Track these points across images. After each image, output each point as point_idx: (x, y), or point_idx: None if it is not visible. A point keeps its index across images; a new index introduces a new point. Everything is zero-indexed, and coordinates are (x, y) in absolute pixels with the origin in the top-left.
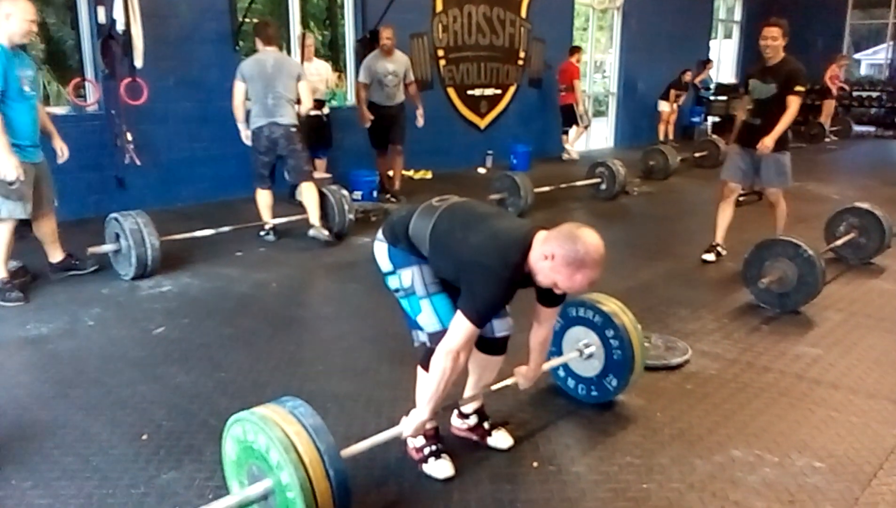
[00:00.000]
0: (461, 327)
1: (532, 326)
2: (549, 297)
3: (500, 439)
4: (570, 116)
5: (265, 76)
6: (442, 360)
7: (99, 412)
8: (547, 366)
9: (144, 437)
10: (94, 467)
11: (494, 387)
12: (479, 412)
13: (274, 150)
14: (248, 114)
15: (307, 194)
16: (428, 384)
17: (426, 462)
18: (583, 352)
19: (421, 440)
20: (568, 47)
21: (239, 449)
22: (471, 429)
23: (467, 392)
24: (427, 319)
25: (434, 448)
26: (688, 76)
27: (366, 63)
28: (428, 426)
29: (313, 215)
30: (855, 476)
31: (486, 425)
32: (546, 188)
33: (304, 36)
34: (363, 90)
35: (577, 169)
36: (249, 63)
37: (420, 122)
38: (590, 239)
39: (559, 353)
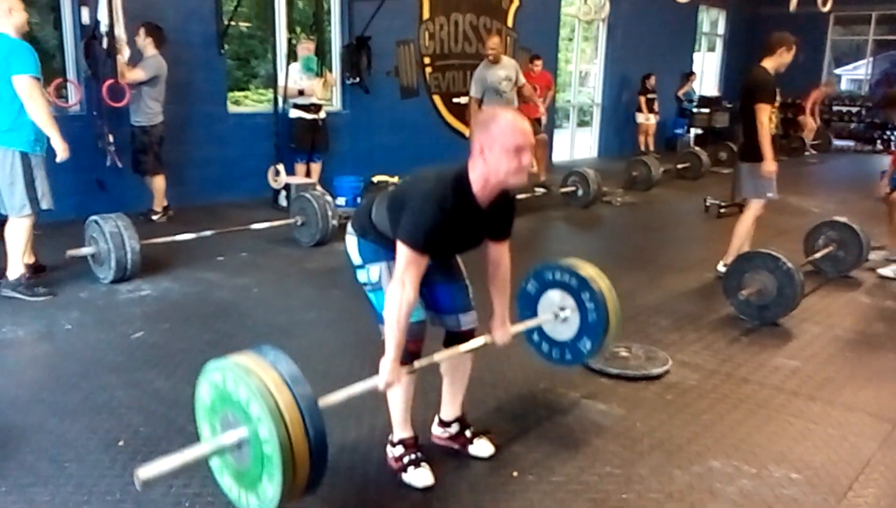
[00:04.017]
0: (402, 254)
1: (488, 274)
2: (496, 227)
3: (482, 447)
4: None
5: (165, 80)
6: (391, 292)
7: (75, 417)
8: (522, 327)
9: (121, 443)
10: (69, 473)
11: (467, 347)
12: (461, 420)
13: None
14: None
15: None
16: (387, 325)
17: (405, 470)
18: (558, 315)
19: (400, 449)
20: (554, 57)
21: (215, 395)
22: (452, 438)
23: (444, 400)
24: None
25: (413, 456)
26: (651, 80)
27: (476, 76)
28: (406, 435)
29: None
30: (831, 487)
31: (467, 433)
32: (522, 196)
33: (297, 42)
34: (476, 105)
35: (552, 178)
36: (163, 64)
37: (544, 119)
38: (504, 112)
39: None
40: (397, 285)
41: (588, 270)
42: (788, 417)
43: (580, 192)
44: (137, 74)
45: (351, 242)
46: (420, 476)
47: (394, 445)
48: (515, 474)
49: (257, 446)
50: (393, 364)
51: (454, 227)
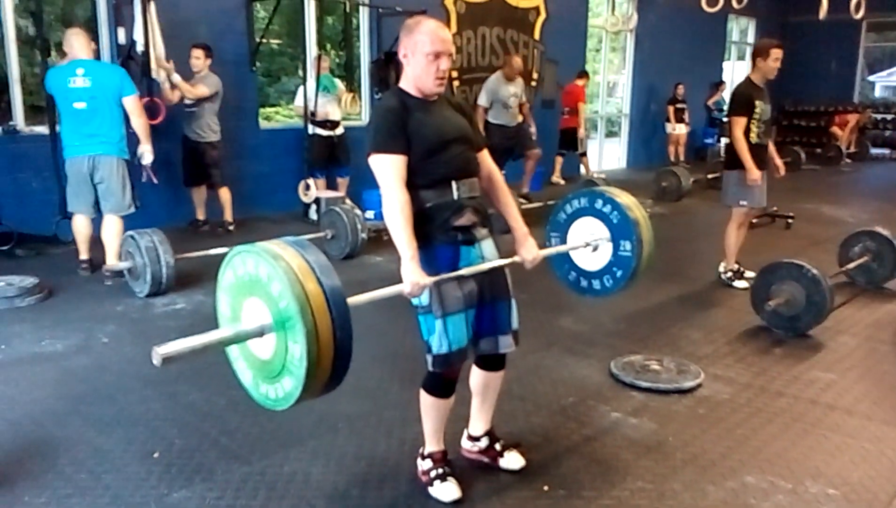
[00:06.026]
0: (375, 164)
1: (484, 191)
2: (466, 128)
3: (512, 460)
4: (569, 140)
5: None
6: (385, 201)
7: (112, 429)
8: (553, 250)
9: (156, 455)
10: (105, 484)
11: (498, 263)
12: (490, 434)
13: None
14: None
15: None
16: (392, 230)
17: (432, 484)
18: (589, 243)
19: (429, 463)
20: (579, 69)
21: (239, 281)
22: (482, 451)
23: (473, 415)
24: (437, 339)
25: (440, 470)
26: (680, 89)
27: (487, 87)
28: (436, 449)
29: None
30: (870, 504)
31: (497, 446)
32: (535, 205)
33: (319, 57)
34: (482, 113)
35: (567, 189)
36: (220, 81)
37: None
38: (428, 20)
39: (569, 261)
40: (385, 194)
41: (624, 198)
42: (825, 431)
43: None
44: (201, 90)
45: None
46: (446, 491)
47: (423, 458)
48: (546, 488)
49: (281, 333)
50: (412, 264)
51: (418, 120)
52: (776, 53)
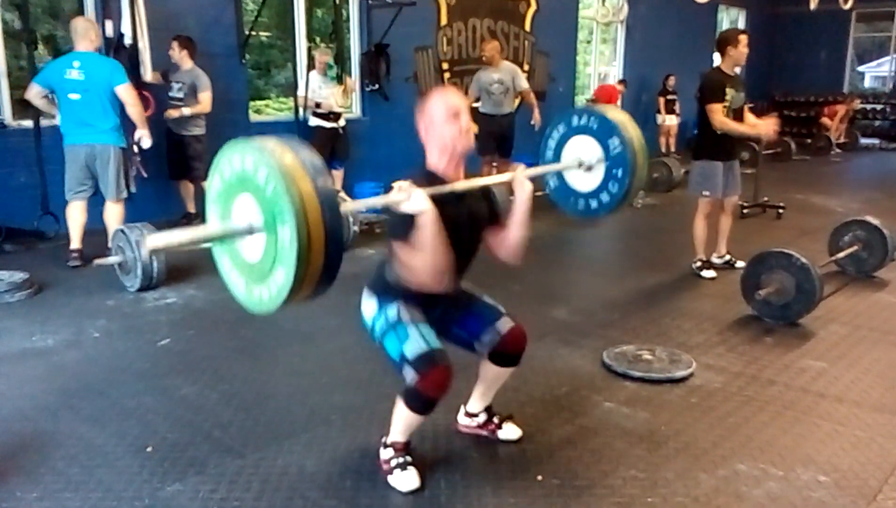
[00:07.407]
0: (399, 252)
1: (497, 253)
2: (486, 212)
3: (510, 431)
4: None
5: None
6: (415, 261)
7: (104, 423)
8: (542, 170)
9: (149, 449)
10: (98, 479)
11: (489, 181)
12: (488, 409)
13: None
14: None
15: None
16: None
17: (391, 473)
18: (582, 162)
19: (389, 452)
20: (571, 60)
21: (231, 178)
22: (480, 426)
23: (474, 396)
24: (413, 343)
25: (401, 460)
26: (671, 80)
27: (475, 78)
28: (400, 439)
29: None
30: (860, 490)
31: (495, 420)
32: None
33: (314, 51)
34: (469, 104)
35: None
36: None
37: (537, 126)
38: (432, 94)
39: (573, 192)
40: (415, 260)
41: (616, 114)
42: (815, 419)
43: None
44: (206, 98)
45: (369, 302)
46: (406, 480)
47: (385, 447)
48: (540, 477)
49: (270, 222)
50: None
51: (441, 212)
52: (744, 39)
